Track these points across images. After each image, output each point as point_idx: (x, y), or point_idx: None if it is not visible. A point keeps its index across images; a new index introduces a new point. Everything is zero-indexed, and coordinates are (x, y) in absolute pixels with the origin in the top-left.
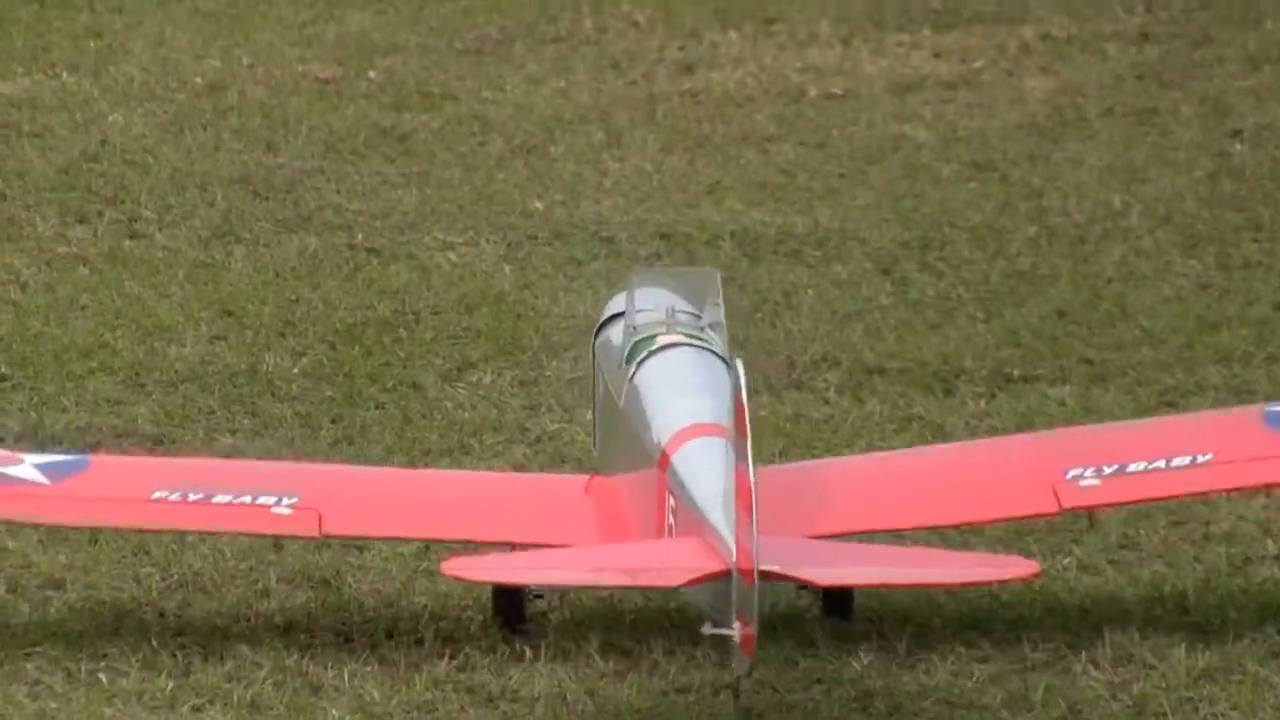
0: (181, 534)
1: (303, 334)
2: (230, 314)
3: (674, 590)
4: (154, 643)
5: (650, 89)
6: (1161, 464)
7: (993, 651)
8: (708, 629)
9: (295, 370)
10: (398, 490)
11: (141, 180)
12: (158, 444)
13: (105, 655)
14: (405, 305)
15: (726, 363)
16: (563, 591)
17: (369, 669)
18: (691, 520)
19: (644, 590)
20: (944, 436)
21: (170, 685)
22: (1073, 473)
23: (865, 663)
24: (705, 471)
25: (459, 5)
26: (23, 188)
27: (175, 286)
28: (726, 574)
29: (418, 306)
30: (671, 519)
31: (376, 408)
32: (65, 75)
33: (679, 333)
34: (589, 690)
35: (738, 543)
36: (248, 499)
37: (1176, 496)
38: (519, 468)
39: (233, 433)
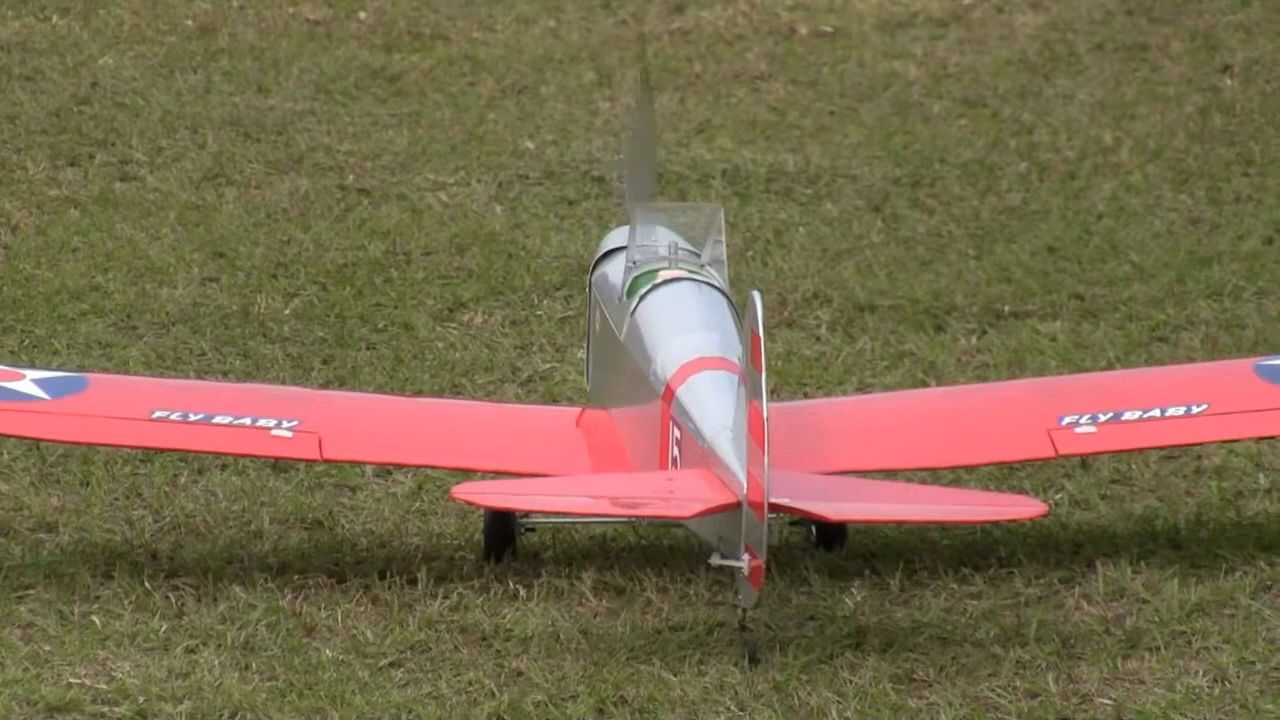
0: (174, 476)
1: (294, 275)
2: (222, 256)
3: (682, 522)
4: (147, 585)
5: (640, 28)
6: (1156, 413)
7: (986, 587)
8: (715, 560)
9: (287, 311)
10: (396, 418)
11: (132, 123)
12: None
13: (98, 598)
14: (396, 246)
15: (728, 298)
16: (554, 519)
17: (362, 609)
18: (697, 453)
19: (650, 521)
20: (935, 373)
21: (164, 627)
22: (1068, 419)
23: (859, 599)
24: (712, 405)
25: None
26: (13, 131)
27: (166, 229)
28: (737, 506)
29: (409, 247)
30: (676, 450)
31: (368, 348)
32: (55, 18)
33: (681, 268)
34: (582, 629)
35: (749, 476)
36: (248, 421)
37: (1170, 445)
38: None
39: (224, 374)
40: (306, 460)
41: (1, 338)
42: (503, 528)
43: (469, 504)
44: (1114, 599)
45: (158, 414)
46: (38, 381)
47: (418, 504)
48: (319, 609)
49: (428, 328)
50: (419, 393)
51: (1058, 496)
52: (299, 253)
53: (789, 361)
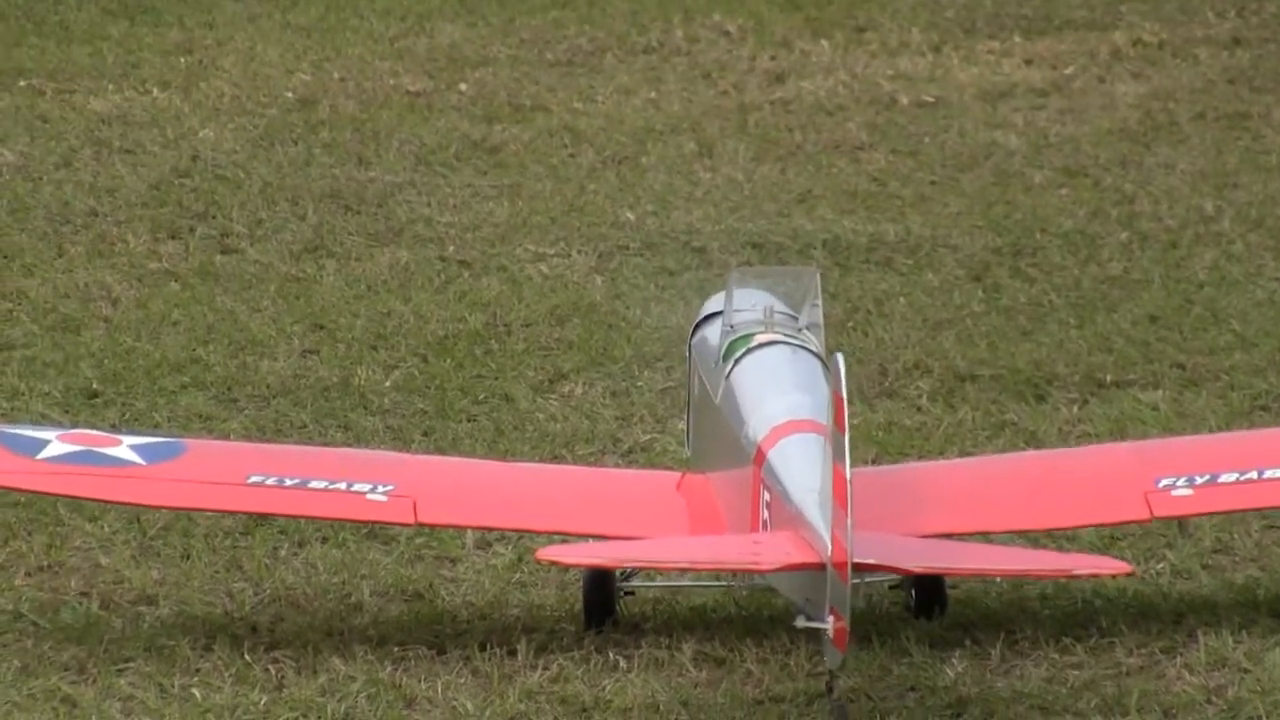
0: (274, 549)
1: (394, 347)
2: (322, 328)
3: (766, 580)
4: (247, 657)
5: (741, 98)
6: (1254, 475)
7: (1086, 657)
8: (800, 623)
9: (387, 383)
10: (492, 482)
11: (232, 195)
12: None
13: (198, 670)
14: (497, 317)
15: (823, 361)
16: (654, 584)
17: (462, 681)
18: (787, 515)
19: (738, 581)
20: (1036, 443)
21: (263, 700)
22: (1165, 481)
23: (959, 669)
24: (801, 467)
25: (549, 17)
26: (114, 204)
27: (267, 301)
28: (821, 567)
29: (509, 318)
30: (766, 514)
31: (468, 420)
32: (156, 91)
33: (776, 331)
34: (682, 700)
35: (833, 537)
36: (343, 486)
37: (1268, 508)
38: None
39: (326, 444)
40: (401, 524)
41: (102, 410)
42: (602, 594)
43: (554, 564)
44: (1216, 669)
45: (254, 479)
46: (134, 447)
47: (518, 575)
48: (419, 681)
49: (528, 399)
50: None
51: (1159, 566)
52: (399, 325)
53: (890, 432)
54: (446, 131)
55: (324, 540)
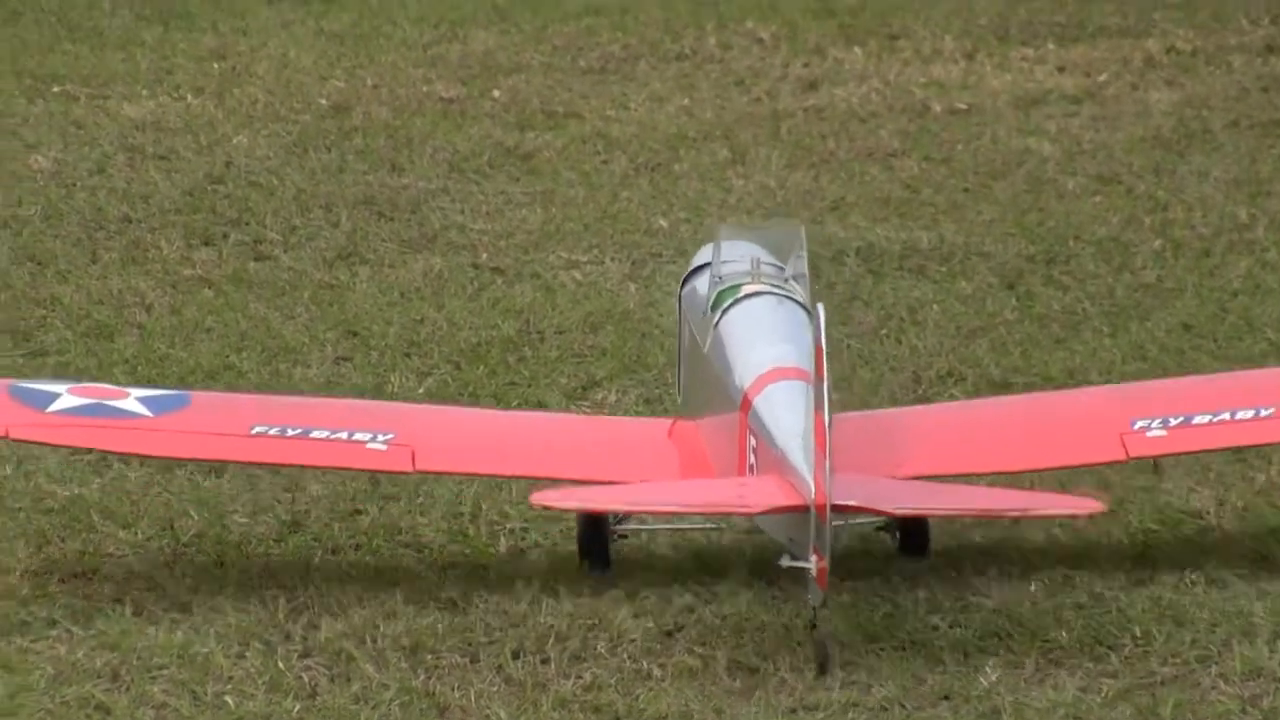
0: (308, 556)
1: (428, 354)
2: (355, 335)
3: (753, 522)
4: (280, 665)
5: (774, 105)
6: (1226, 416)
7: (1121, 667)
8: (785, 562)
9: (420, 390)
10: (489, 430)
11: (266, 202)
12: (282, 465)
13: (231, 678)
14: (530, 324)
15: (809, 311)
16: (646, 527)
17: (495, 689)
18: (772, 459)
19: (727, 523)
20: None
21: (297, 708)
22: (1140, 423)
23: (993, 679)
24: (786, 413)
25: (582, 23)
26: (148, 211)
27: (300, 308)
28: (804, 509)
29: (542, 325)
30: (753, 458)
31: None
32: (190, 97)
33: (763, 282)
34: (716, 708)
35: (815, 480)
36: (344, 435)
37: (1239, 446)
38: None
39: None
40: (400, 472)
41: None
42: (596, 534)
43: (547, 508)
44: (1251, 679)
45: (257, 429)
46: (142, 399)
47: (552, 582)
48: (452, 689)
49: (561, 406)
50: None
51: (1193, 575)
52: (432, 332)
53: None
54: (479, 138)
55: (357, 548)
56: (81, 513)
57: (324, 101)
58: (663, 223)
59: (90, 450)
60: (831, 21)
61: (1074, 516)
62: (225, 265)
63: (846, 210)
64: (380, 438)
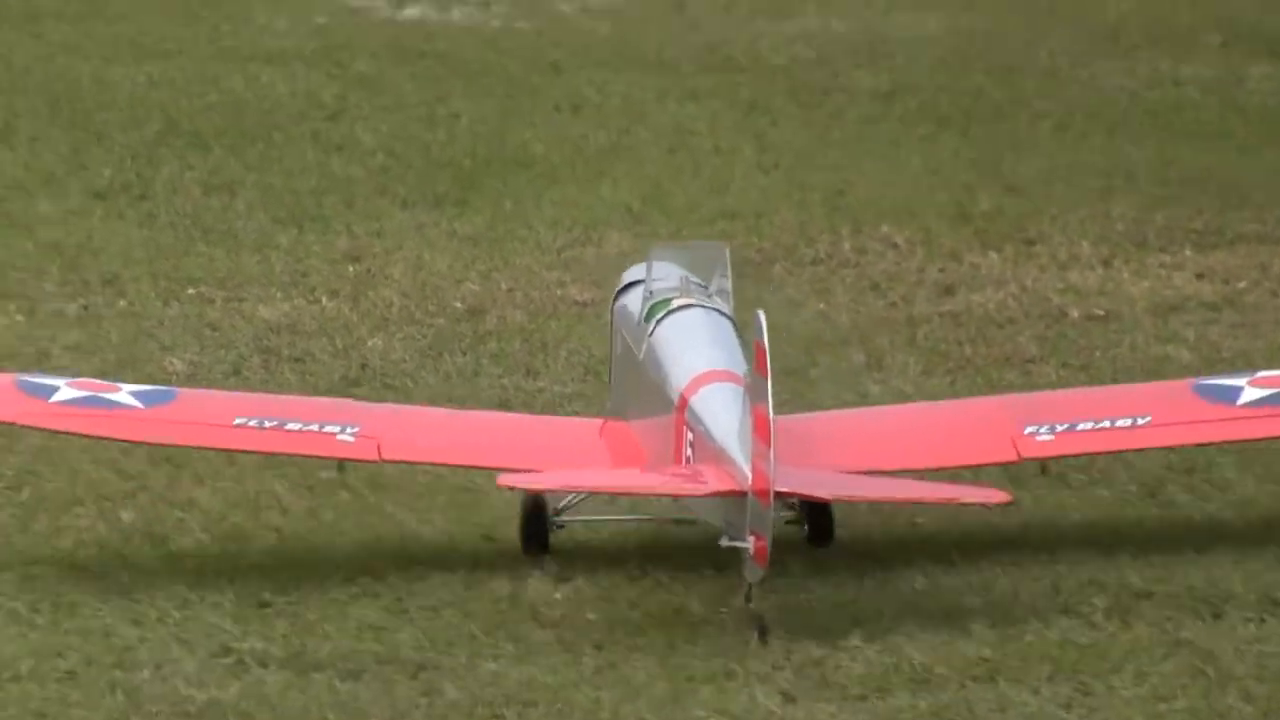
0: None
1: (565, 560)
2: (491, 539)
3: (690, 508)
4: None
5: (910, 310)
6: (1107, 423)
7: None
8: (724, 542)
9: (557, 595)
10: (445, 426)
11: (403, 400)
12: (420, 669)
13: None
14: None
15: (733, 322)
16: (583, 518)
17: None
18: (709, 452)
19: (661, 514)
20: (1213, 662)
21: None
22: (1030, 429)
23: None
24: (722, 411)
25: (717, 227)
26: None
27: (437, 513)
28: (742, 494)
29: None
30: (690, 451)
31: (639, 633)
32: (325, 300)
33: (691, 297)
34: None
35: (754, 468)
36: (316, 427)
37: (1117, 450)
38: None
39: (495, 658)
40: (366, 460)
41: (273, 620)
42: (538, 525)
43: (511, 488)
44: None
45: (239, 420)
46: (133, 393)
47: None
48: None
49: (704, 608)
50: (690, 678)
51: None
52: (566, 536)
53: (1064, 649)
54: None
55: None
56: (219, 717)
57: (459, 304)
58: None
59: (87, 437)
60: (967, 227)
61: (983, 504)
62: (361, 468)
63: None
64: (349, 430)
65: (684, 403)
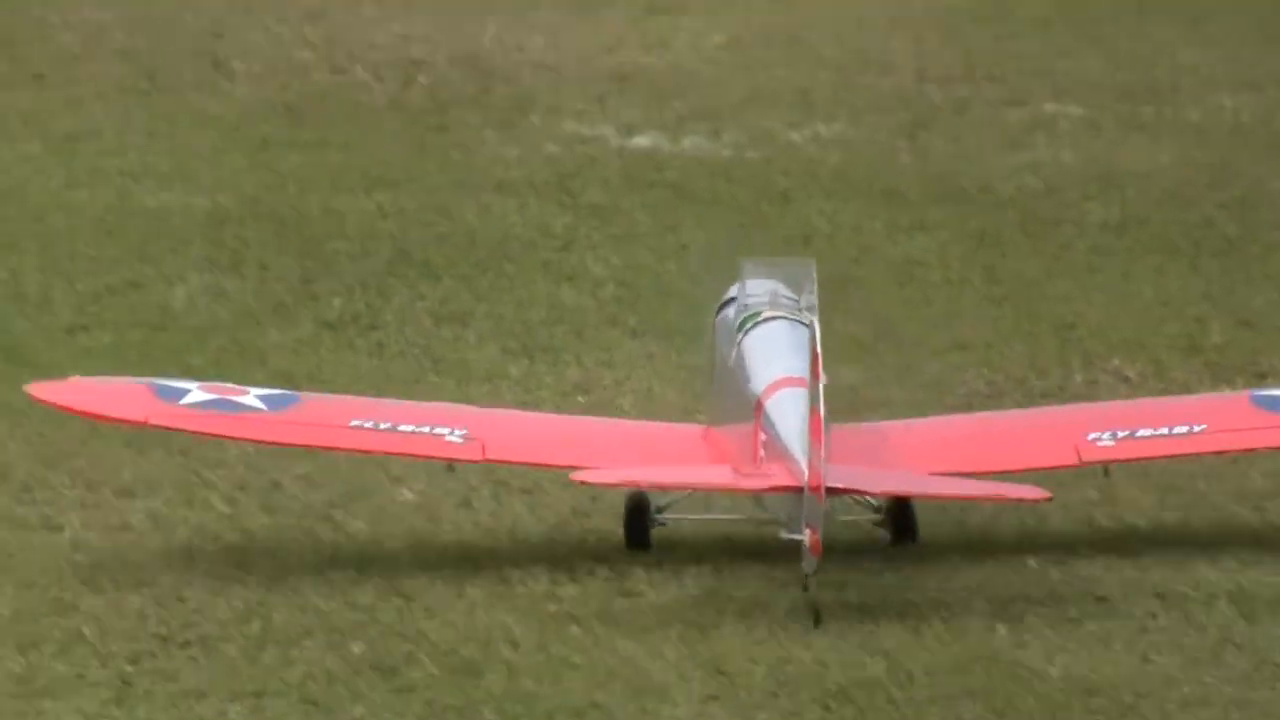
0: None
1: (795, 694)
2: (723, 673)
3: (764, 507)
4: None
5: None
6: (1165, 431)
7: None
8: (784, 534)
9: None
10: (549, 430)
11: None
12: None
13: None
14: (897, 664)
15: (815, 334)
16: (685, 516)
17: None
18: (777, 451)
19: (753, 514)
20: None
21: None
22: (1093, 435)
23: None
24: (790, 414)
25: (948, 360)
26: (513, 546)
27: (668, 646)
28: (799, 490)
29: (910, 665)
30: (763, 452)
31: None
32: None
33: (779, 309)
34: None
35: (810, 465)
36: (427, 430)
37: (1176, 455)
38: None
39: None
40: (472, 460)
41: None
42: (638, 522)
43: (584, 484)
44: None
45: (355, 423)
46: (260, 397)
47: None
48: None
49: None
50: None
51: None
52: (799, 670)
53: None
54: None
55: None
56: None
57: None
58: (1032, 563)
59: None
60: (1198, 358)
61: (1025, 501)
62: (591, 601)
63: (1216, 552)
64: (457, 432)
65: (760, 406)
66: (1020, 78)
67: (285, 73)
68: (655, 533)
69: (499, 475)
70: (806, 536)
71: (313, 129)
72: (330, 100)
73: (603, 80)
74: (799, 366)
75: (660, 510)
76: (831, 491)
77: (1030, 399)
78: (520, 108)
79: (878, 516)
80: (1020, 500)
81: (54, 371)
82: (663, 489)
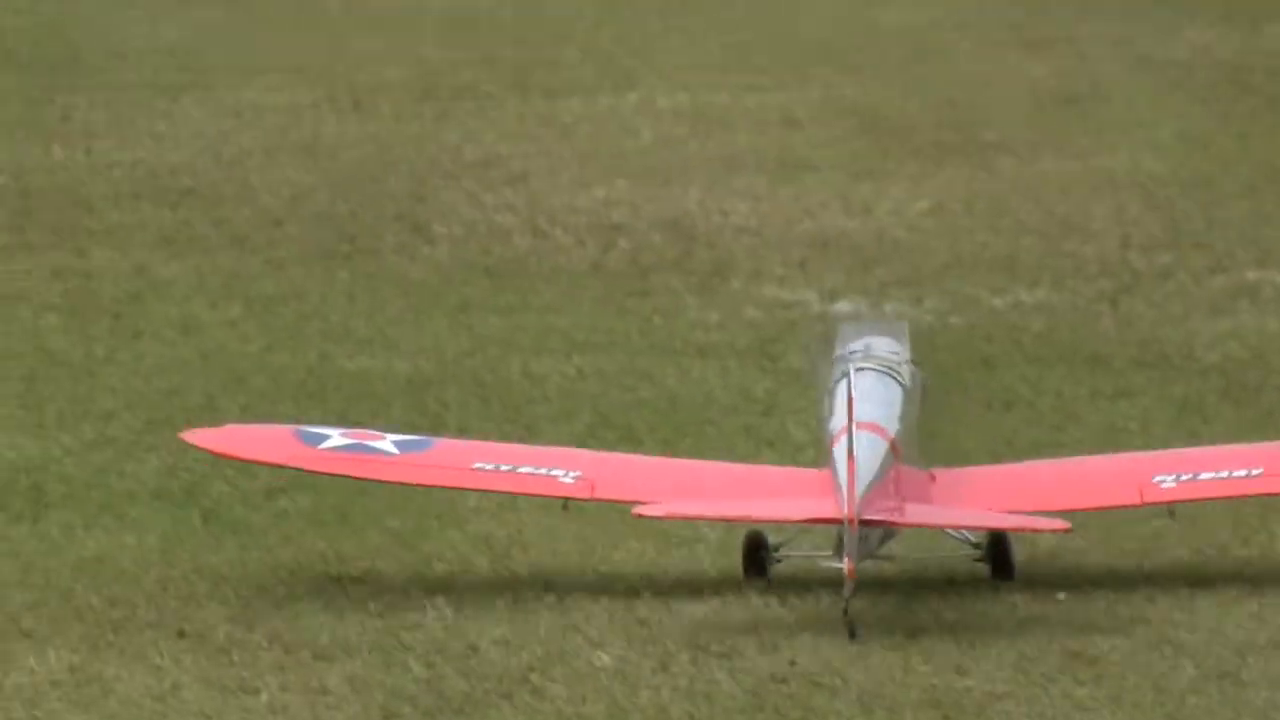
0: None
1: None
2: None
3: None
4: None
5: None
6: (1225, 474)
7: None
8: (824, 562)
9: None
10: (659, 473)
11: (828, 704)
12: None
13: None
14: None
15: (903, 386)
16: (799, 554)
17: None
18: (832, 487)
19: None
20: None
21: None
22: (1157, 478)
23: None
24: (847, 454)
25: (1149, 526)
26: (712, 711)
27: None
28: (839, 521)
29: None
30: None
31: None
32: (753, 596)
33: (870, 362)
34: None
35: (849, 500)
36: (544, 471)
37: (1232, 496)
38: None
39: None
40: (583, 500)
41: None
42: (756, 557)
43: (641, 517)
44: None
45: (477, 465)
46: (394, 441)
47: None
48: None
49: None
50: None
51: None
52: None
53: None
54: (1045, 640)
55: None
56: None
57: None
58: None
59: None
60: None
61: (1045, 531)
62: None
63: None
64: (570, 474)
65: (831, 447)
66: (1224, 244)
67: (486, 236)
68: (774, 569)
69: (698, 639)
70: (845, 565)
71: (513, 292)
72: (530, 263)
73: (804, 245)
74: (870, 412)
75: (778, 548)
76: (866, 524)
77: (1235, 566)
78: (721, 272)
79: (977, 553)
80: (1039, 531)
81: (250, 537)
82: (712, 520)
